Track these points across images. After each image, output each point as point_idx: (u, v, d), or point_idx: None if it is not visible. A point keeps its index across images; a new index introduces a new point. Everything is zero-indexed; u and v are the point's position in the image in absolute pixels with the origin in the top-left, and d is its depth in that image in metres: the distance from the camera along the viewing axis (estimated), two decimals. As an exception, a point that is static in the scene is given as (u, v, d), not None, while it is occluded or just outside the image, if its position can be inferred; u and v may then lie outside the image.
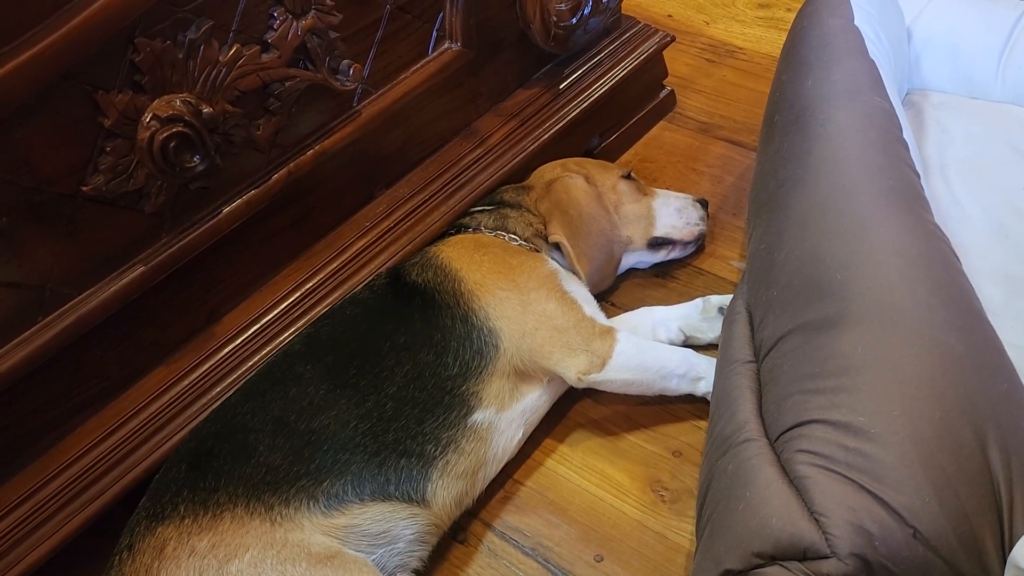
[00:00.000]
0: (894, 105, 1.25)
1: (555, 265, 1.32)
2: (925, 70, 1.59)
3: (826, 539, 0.86)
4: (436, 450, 1.12)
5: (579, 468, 1.26)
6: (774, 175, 1.25)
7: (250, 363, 1.20)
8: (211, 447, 1.07)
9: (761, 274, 1.16)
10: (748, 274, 1.24)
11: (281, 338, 1.22)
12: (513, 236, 1.35)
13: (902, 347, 0.92)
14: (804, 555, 0.87)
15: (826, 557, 0.85)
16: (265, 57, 1.09)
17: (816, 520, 0.87)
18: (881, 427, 0.88)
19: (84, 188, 0.98)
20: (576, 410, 1.33)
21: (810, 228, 1.09)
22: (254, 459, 1.05)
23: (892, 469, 0.85)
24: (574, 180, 1.41)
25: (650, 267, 1.52)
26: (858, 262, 1.01)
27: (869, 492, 0.85)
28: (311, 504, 1.04)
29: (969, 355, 0.91)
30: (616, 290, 1.49)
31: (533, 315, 1.21)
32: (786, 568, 0.89)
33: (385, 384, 1.13)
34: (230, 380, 1.18)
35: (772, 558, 0.90)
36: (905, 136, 1.20)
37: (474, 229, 1.36)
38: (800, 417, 0.95)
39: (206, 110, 1.02)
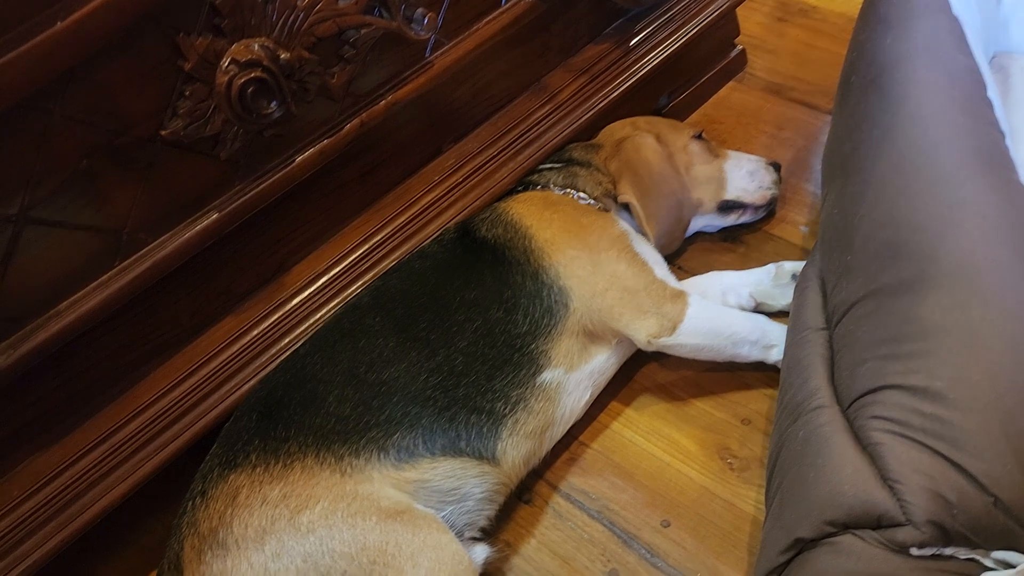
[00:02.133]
0: (979, 64, 1.19)
1: (626, 225, 1.29)
2: (1014, 32, 1.52)
3: (901, 507, 0.84)
4: (506, 408, 1.11)
5: (645, 432, 1.24)
6: (849, 137, 1.20)
7: (318, 315, 1.19)
8: (281, 397, 1.07)
9: (835, 239, 1.12)
10: (821, 240, 1.20)
11: (349, 291, 1.21)
12: (583, 195, 1.32)
13: (984, 311, 0.88)
14: (878, 523, 0.86)
15: (901, 525, 0.84)
16: (341, 3, 1.06)
17: (891, 487, 0.85)
18: (960, 392, 0.85)
19: (163, 132, 0.96)
20: (643, 374, 1.31)
21: (887, 190, 1.05)
22: (324, 409, 1.05)
23: (972, 436, 0.83)
24: (645, 139, 1.37)
25: (718, 231, 1.48)
26: (938, 224, 0.97)
27: (947, 459, 0.83)
28: (381, 456, 1.04)
29: None
30: (683, 253, 1.46)
31: (604, 275, 1.19)
32: (859, 537, 0.87)
33: (456, 339, 1.11)
34: (298, 331, 1.17)
35: (845, 526, 0.88)
36: (990, 95, 1.15)
37: (543, 187, 1.34)
38: (875, 383, 0.92)
39: (283, 56, 1.00)
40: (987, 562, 0.81)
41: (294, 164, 1.10)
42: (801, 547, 0.92)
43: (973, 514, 0.81)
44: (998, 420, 0.82)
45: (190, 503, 1.01)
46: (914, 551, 0.84)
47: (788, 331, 1.17)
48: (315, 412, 1.05)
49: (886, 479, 0.86)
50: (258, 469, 1.00)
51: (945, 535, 0.82)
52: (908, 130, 1.08)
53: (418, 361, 1.10)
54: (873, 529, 0.86)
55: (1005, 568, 0.79)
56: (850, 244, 1.07)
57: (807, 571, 0.90)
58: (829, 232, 1.16)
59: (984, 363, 0.85)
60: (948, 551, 0.83)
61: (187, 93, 0.96)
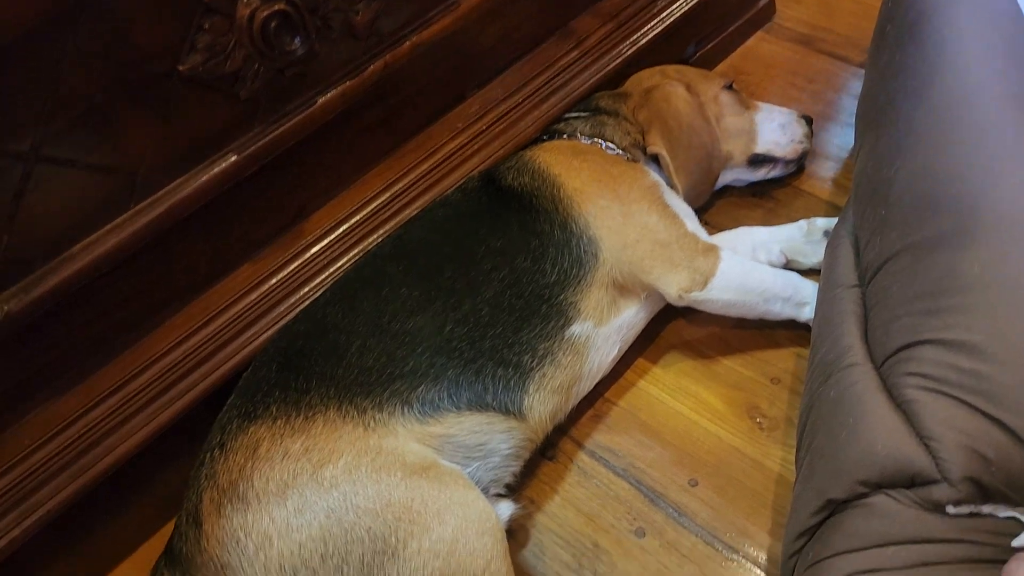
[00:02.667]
0: (1020, 6, 1.14)
1: (657, 177, 1.25)
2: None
3: (936, 464, 0.81)
4: (533, 361, 1.07)
5: (672, 390, 1.21)
6: (884, 88, 1.16)
7: (338, 264, 1.15)
8: (302, 347, 1.03)
9: (869, 194, 1.08)
10: (854, 195, 1.16)
11: (370, 239, 1.17)
12: (611, 145, 1.27)
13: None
14: (912, 481, 0.83)
15: (936, 482, 0.81)
16: (367, -66, 1.01)
17: (925, 444, 0.82)
18: (999, 347, 0.82)
19: (180, 68, 0.91)
20: (669, 330, 1.27)
21: (923, 141, 1.01)
22: (346, 360, 1.01)
23: (1011, 391, 0.79)
24: (675, 88, 1.32)
25: (746, 186, 1.44)
26: (979, 175, 0.92)
27: (985, 414, 0.80)
28: (405, 410, 1.00)
29: None
30: (710, 208, 1.42)
31: (634, 227, 1.14)
32: (893, 497, 0.84)
33: (482, 288, 1.08)
34: (318, 280, 1.14)
35: (878, 486, 0.85)
36: None
37: (569, 135, 1.29)
38: (909, 339, 0.89)
39: (307, -11, 0.95)
40: None
41: (315, 106, 1.05)
42: (833, 508, 0.89)
43: (1012, 470, 0.78)
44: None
45: (208, 455, 0.98)
46: (950, 509, 0.81)
47: (819, 289, 1.13)
48: (337, 363, 1.01)
49: (921, 436, 0.83)
50: (279, 421, 0.96)
51: (983, 492, 0.80)
52: (944, 77, 1.04)
53: (443, 311, 1.06)
54: (907, 488, 0.84)
55: None
56: (885, 198, 1.03)
57: (839, 533, 0.88)
58: (863, 187, 1.12)
59: (1021, 316, 0.82)
60: (986, 509, 0.81)
61: (206, 26, 0.91)
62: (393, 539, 0.90)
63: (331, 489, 0.91)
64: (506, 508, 1.05)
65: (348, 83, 1.07)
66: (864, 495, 0.86)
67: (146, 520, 1.16)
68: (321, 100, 1.06)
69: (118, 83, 0.88)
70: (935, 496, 0.81)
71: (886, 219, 1.02)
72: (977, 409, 0.81)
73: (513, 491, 1.10)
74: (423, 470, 0.95)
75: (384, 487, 0.91)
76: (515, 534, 1.08)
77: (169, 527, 1.14)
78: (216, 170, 1.00)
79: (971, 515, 0.81)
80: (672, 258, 1.14)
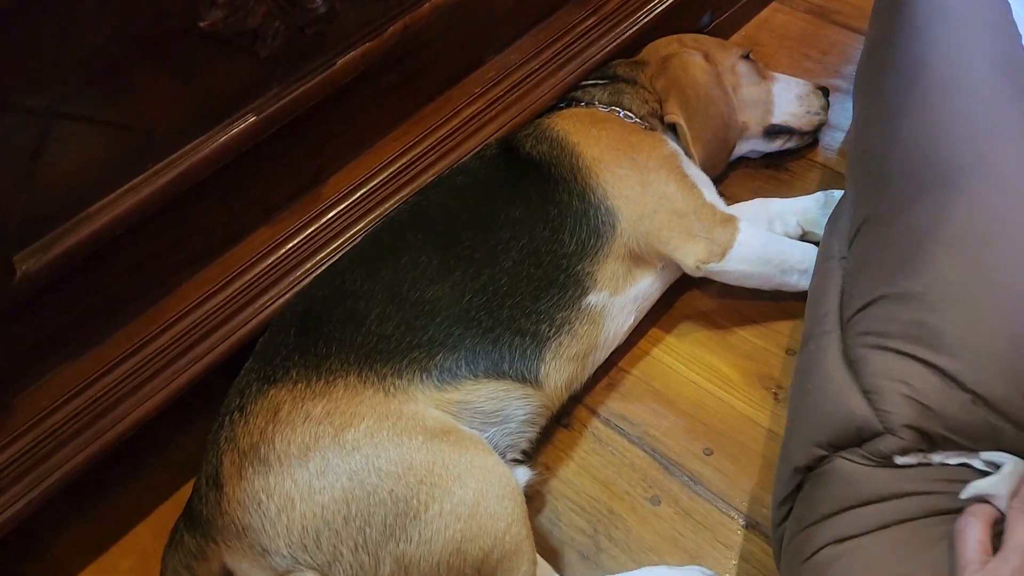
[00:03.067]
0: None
1: (676, 146, 1.24)
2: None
3: (877, 416, 0.80)
4: (550, 330, 1.07)
5: (686, 359, 1.21)
6: (874, 56, 1.15)
7: (355, 229, 1.14)
8: (320, 312, 1.03)
9: (855, 164, 1.09)
10: (847, 165, 1.16)
11: (386, 205, 1.16)
12: (628, 113, 1.26)
13: (969, 211, 0.85)
14: (859, 437, 0.82)
15: (880, 435, 0.80)
16: None
17: (868, 398, 0.82)
18: (938, 293, 0.82)
19: (200, 24, 0.89)
20: (683, 300, 1.27)
21: (897, 111, 1.01)
22: (365, 327, 1.01)
23: (947, 335, 0.80)
24: (693, 57, 1.31)
25: (761, 157, 1.43)
26: (940, 135, 0.93)
27: (922, 361, 0.80)
28: (424, 377, 1.00)
29: None
30: (724, 179, 1.41)
31: (653, 196, 1.14)
32: (847, 458, 0.84)
33: (501, 258, 1.07)
34: (335, 245, 1.13)
35: (833, 447, 0.85)
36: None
37: (587, 103, 1.28)
38: (866, 299, 0.90)
39: (330, -54, 0.93)
40: (976, 464, 0.78)
41: (335, 66, 1.04)
42: (801, 477, 0.89)
43: (952, 414, 0.78)
44: (974, 317, 0.79)
45: (227, 418, 0.97)
46: (899, 460, 0.80)
47: (815, 260, 1.13)
48: (356, 329, 1.01)
49: (864, 391, 0.83)
50: (299, 385, 0.96)
51: (928, 440, 0.79)
52: (921, 42, 1.04)
53: (462, 280, 1.05)
54: (858, 446, 0.83)
55: (996, 470, 0.76)
56: (867, 169, 1.04)
57: (807, 503, 0.87)
58: (851, 157, 1.12)
59: (961, 261, 0.83)
60: (936, 458, 0.80)
61: (228, -18, 0.89)
62: (415, 502, 0.90)
63: (353, 452, 0.91)
64: (522, 474, 1.05)
65: (368, 44, 1.06)
66: (823, 459, 0.86)
67: (160, 484, 1.16)
68: (341, 61, 1.04)
69: (137, 39, 0.86)
70: (881, 448, 0.80)
71: (865, 188, 1.02)
72: (914, 357, 0.80)
73: (529, 457, 1.10)
74: (443, 434, 0.95)
75: (406, 450, 0.91)
76: (531, 500, 1.08)
77: (183, 491, 1.15)
78: (234, 131, 0.98)
79: (923, 465, 0.80)
80: (690, 229, 1.14)
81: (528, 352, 1.06)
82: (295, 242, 1.10)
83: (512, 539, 0.92)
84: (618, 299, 1.14)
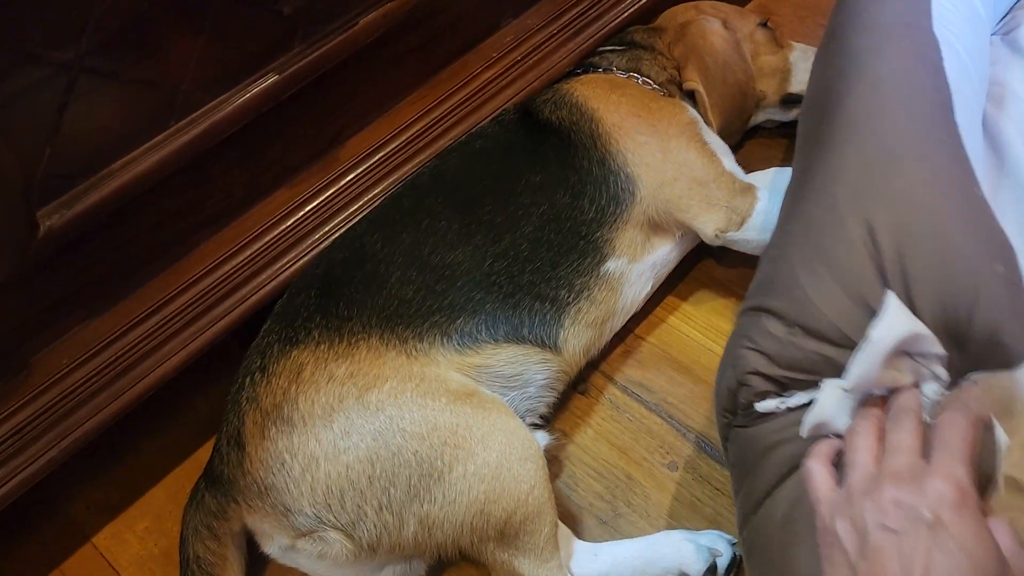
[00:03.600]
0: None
1: (695, 113, 1.23)
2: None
3: (736, 374, 0.82)
4: (569, 296, 1.07)
5: (703, 328, 1.21)
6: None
7: (373, 192, 1.13)
8: (341, 275, 1.02)
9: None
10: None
11: (404, 168, 1.15)
12: (647, 80, 1.25)
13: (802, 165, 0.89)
14: (734, 400, 0.83)
15: (738, 389, 0.82)
16: None
17: (732, 362, 0.84)
18: (773, 241, 0.88)
19: (226, -21, 0.88)
20: (700, 269, 1.27)
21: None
22: (386, 290, 1.01)
23: (770, 277, 0.85)
24: (711, 24, 1.30)
25: (777, 127, 1.43)
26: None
27: (757, 309, 0.83)
28: (444, 341, 1.00)
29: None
30: (739, 148, 1.41)
31: (673, 164, 1.13)
32: (737, 424, 0.85)
33: (521, 223, 1.07)
34: (353, 208, 1.12)
35: (728, 413, 0.85)
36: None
37: (605, 69, 1.27)
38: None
39: (355, -99, 0.92)
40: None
41: (357, 26, 1.02)
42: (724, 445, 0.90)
43: (780, 350, 0.79)
44: (799, 259, 0.81)
45: (248, 379, 0.97)
46: (759, 407, 0.80)
47: None
48: (377, 292, 1.00)
49: (731, 356, 0.85)
50: (322, 346, 0.96)
51: (774, 382, 0.80)
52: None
53: (483, 245, 1.05)
54: (736, 410, 0.84)
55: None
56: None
57: (732, 476, 0.88)
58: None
59: (784, 204, 0.90)
60: (791, 402, 0.79)
61: (253, -64, 0.88)
62: (439, 463, 0.90)
63: (378, 412, 0.91)
64: (541, 438, 1.05)
65: (390, 5, 1.04)
66: (728, 427, 0.86)
67: (176, 445, 1.16)
68: (363, 21, 1.03)
69: (163, -6, 0.85)
70: (743, 401, 0.82)
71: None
72: (755, 308, 0.83)
73: (547, 422, 1.11)
74: (466, 396, 0.95)
75: (430, 412, 0.91)
76: (549, 465, 1.07)
77: (199, 453, 1.15)
78: (256, 90, 0.97)
79: (789, 409, 0.79)
80: (710, 197, 1.13)
81: (548, 317, 1.06)
82: (314, 204, 1.10)
83: (535, 501, 0.92)
84: (636, 266, 1.13)
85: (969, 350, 0.71)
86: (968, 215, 0.78)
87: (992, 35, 1.22)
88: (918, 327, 0.70)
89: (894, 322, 0.70)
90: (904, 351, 0.70)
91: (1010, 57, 1.15)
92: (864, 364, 0.70)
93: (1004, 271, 0.73)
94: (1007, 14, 1.24)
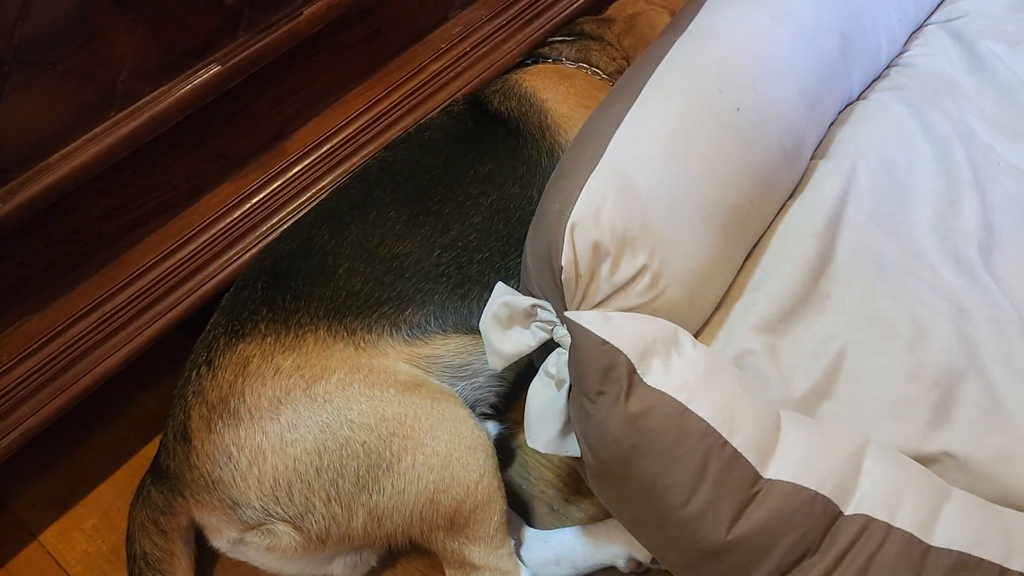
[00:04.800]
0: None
1: (642, 103, 1.24)
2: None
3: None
4: (519, 286, 1.07)
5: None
6: None
7: (321, 184, 1.13)
8: (288, 267, 1.02)
9: None
10: None
11: (352, 161, 1.15)
12: (596, 70, 1.26)
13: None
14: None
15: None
16: None
17: None
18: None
19: (165, -32, 0.87)
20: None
21: None
22: (334, 282, 1.00)
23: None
24: (660, 15, 1.31)
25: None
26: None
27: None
28: (393, 332, 1.00)
29: None
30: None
31: (620, 153, 1.14)
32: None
33: (470, 213, 1.07)
34: (300, 201, 1.12)
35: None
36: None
37: (555, 60, 1.27)
38: None
39: None
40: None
41: (301, 17, 1.02)
42: None
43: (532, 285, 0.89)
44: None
45: (194, 372, 0.96)
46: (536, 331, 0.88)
47: None
48: (325, 284, 1.00)
49: None
50: (268, 339, 0.95)
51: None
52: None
53: (432, 236, 1.05)
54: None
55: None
56: None
57: None
58: None
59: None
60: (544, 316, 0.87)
61: (192, -75, 0.87)
62: (388, 453, 0.90)
63: (325, 404, 0.90)
64: (492, 428, 1.06)
65: (334, -5, 1.04)
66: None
67: (123, 442, 1.14)
68: (307, 11, 1.02)
69: (99, -17, 0.84)
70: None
71: None
72: None
73: (499, 412, 1.11)
74: (415, 387, 0.95)
75: (378, 403, 0.91)
76: (501, 454, 1.08)
77: (147, 449, 1.14)
78: (198, 81, 0.96)
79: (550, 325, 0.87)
80: (657, 185, 1.14)
81: (497, 307, 1.06)
82: (260, 197, 1.09)
83: (484, 490, 0.93)
84: (586, 255, 1.14)
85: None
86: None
87: (929, 24, 1.25)
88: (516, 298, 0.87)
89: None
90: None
91: (952, 46, 1.20)
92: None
93: (559, 207, 0.84)
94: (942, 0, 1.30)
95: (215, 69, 0.97)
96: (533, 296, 0.88)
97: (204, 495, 0.92)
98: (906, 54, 1.23)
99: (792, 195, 1.03)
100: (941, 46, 1.21)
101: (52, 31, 0.83)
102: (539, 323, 0.87)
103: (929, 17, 1.30)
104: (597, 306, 0.85)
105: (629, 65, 1.29)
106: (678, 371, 0.79)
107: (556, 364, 0.86)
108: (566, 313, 0.82)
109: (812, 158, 1.07)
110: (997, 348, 0.87)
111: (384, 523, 0.91)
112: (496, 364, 0.89)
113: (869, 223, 0.98)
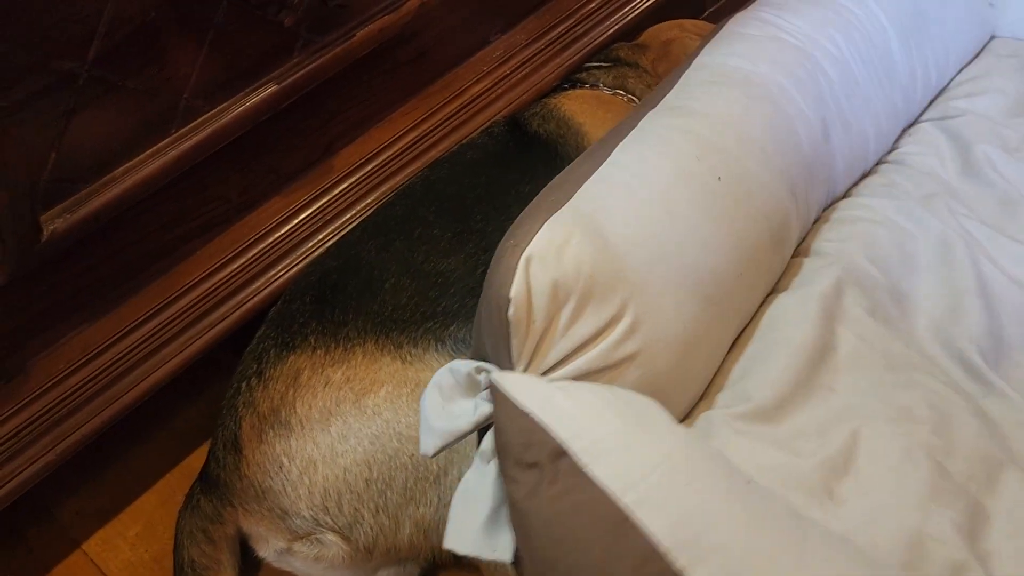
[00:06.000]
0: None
1: (678, 128, 1.27)
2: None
3: None
4: (560, 304, 1.10)
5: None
6: None
7: (365, 202, 1.15)
8: (336, 281, 1.04)
9: None
10: None
11: (396, 179, 1.17)
12: (632, 97, 1.29)
13: None
14: None
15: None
16: None
17: None
18: None
19: (231, -10, 0.90)
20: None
21: None
22: (380, 296, 1.02)
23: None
24: (694, 42, 1.34)
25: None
26: None
27: None
28: (439, 347, 1.02)
29: None
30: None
31: (658, 177, 1.17)
32: None
33: (512, 232, 1.09)
34: (346, 217, 1.14)
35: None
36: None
37: (592, 85, 1.30)
38: None
39: (356, -82, 0.94)
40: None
41: (354, 39, 1.05)
42: None
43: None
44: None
45: (244, 383, 0.98)
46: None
47: None
48: (372, 298, 1.02)
49: None
50: (318, 351, 0.97)
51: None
52: None
53: (475, 253, 1.07)
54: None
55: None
56: None
57: None
58: None
59: None
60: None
61: (257, -51, 0.90)
62: (435, 466, 0.92)
63: (374, 417, 0.92)
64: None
65: (386, 18, 1.07)
66: None
67: (166, 452, 1.16)
68: (360, 33, 1.05)
69: (169, 4, 0.87)
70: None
71: None
72: None
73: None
74: (460, 403, 0.97)
75: (426, 416, 0.93)
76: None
77: (190, 459, 1.15)
78: (256, 99, 0.99)
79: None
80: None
81: (538, 324, 1.08)
82: (307, 212, 1.11)
83: (528, 503, 0.94)
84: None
85: None
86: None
87: (923, 122, 1.22)
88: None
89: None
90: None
91: (946, 146, 1.15)
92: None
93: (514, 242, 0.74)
94: (937, 97, 1.25)
95: (272, 88, 1.00)
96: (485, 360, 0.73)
97: (254, 504, 0.93)
98: (898, 151, 1.17)
99: (775, 290, 0.95)
100: (935, 146, 1.15)
101: (122, 49, 0.85)
102: (484, 392, 0.70)
103: (923, 114, 1.23)
104: (551, 370, 0.71)
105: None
106: (633, 462, 0.59)
107: (491, 438, 0.69)
108: (492, 374, 0.67)
109: (797, 255, 1.01)
110: None
111: (430, 535, 0.93)
112: (427, 446, 0.70)
113: (868, 318, 0.89)
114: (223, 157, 1.01)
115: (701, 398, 0.86)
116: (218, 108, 0.97)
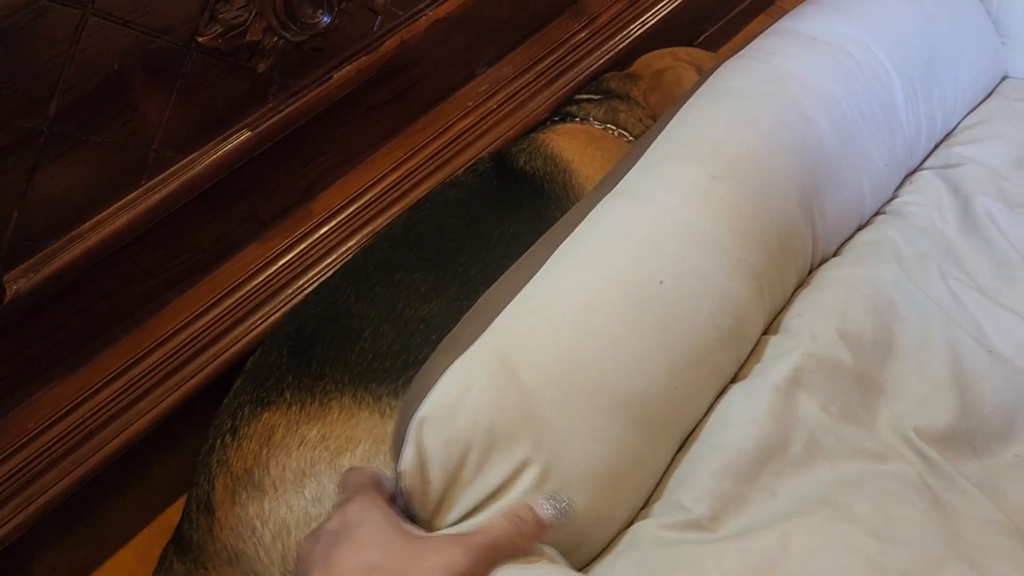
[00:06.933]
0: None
1: (669, 163, 1.23)
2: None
3: None
4: (546, 350, 1.06)
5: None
6: None
7: (347, 246, 1.12)
8: (313, 331, 1.01)
9: None
10: None
11: (379, 220, 1.14)
12: (623, 132, 1.26)
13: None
14: None
15: None
16: (389, -95, 0.97)
17: None
18: None
19: (199, 38, 0.87)
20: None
21: None
22: (359, 345, 0.99)
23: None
24: (687, 71, 1.31)
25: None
26: None
27: None
28: (420, 398, 0.99)
29: None
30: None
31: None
32: None
33: (496, 275, 1.05)
34: (326, 263, 1.11)
35: None
36: None
37: (582, 119, 1.27)
38: None
39: (330, -41, 0.91)
40: None
41: (330, 81, 1.02)
42: None
43: None
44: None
45: (218, 440, 0.95)
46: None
47: None
48: (350, 348, 0.99)
49: None
50: (293, 408, 0.94)
51: None
52: None
53: (458, 297, 1.04)
54: None
55: None
56: None
57: None
58: None
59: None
60: None
61: (226, -4, 0.87)
62: (414, 530, 0.88)
63: (350, 478, 0.89)
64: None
65: (363, 58, 1.04)
66: None
67: (144, 506, 1.13)
68: (336, 75, 1.02)
69: (137, 52, 0.84)
70: None
71: None
72: None
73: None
74: (441, 459, 0.94)
75: (405, 477, 0.90)
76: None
77: (167, 513, 1.13)
78: (229, 147, 0.96)
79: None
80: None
81: (524, 372, 1.05)
82: (286, 259, 1.08)
83: (511, 564, 0.91)
84: (612, 318, 1.13)
85: None
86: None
87: (924, 169, 1.18)
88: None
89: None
90: None
91: (946, 197, 1.10)
92: None
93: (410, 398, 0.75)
94: (940, 143, 1.21)
95: (245, 135, 0.97)
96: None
97: (227, 568, 0.90)
98: (897, 200, 1.12)
99: (736, 378, 0.90)
100: (935, 196, 1.10)
101: (86, 102, 0.82)
102: None
103: (925, 160, 1.18)
104: (463, 519, 0.71)
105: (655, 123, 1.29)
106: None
107: None
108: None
109: (767, 332, 0.95)
110: (987, 542, 0.73)
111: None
112: None
113: (822, 413, 0.84)
114: (197, 205, 0.98)
115: (644, 505, 0.82)
116: (189, 157, 0.94)
